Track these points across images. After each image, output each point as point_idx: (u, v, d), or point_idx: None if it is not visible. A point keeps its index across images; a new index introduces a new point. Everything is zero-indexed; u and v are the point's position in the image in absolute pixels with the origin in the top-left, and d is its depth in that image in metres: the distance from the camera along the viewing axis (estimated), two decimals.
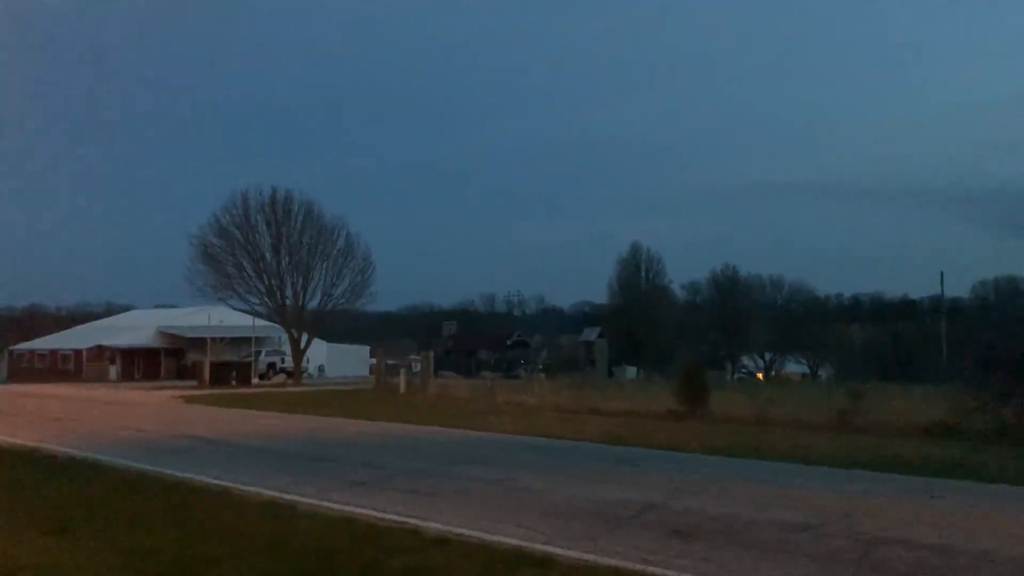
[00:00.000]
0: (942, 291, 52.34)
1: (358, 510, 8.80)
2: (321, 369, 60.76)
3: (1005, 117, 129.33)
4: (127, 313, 72.53)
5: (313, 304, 51.09)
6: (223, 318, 53.10)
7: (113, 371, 55.84)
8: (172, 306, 67.33)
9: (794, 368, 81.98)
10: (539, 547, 7.25)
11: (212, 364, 45.78)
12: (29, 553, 6.86)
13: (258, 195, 50.03)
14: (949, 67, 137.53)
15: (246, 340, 53.33)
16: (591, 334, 73.51)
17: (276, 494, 9.71)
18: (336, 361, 61.91)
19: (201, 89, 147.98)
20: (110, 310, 79.46)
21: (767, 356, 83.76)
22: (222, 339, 53.47)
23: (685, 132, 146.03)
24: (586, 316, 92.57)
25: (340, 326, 58.45)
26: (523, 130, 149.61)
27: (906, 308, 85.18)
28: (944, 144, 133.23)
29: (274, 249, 49.86)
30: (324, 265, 50.75)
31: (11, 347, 62.01)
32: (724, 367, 75.82)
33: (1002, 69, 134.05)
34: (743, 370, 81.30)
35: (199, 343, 53.64)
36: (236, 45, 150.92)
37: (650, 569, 6.59)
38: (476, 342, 75.58)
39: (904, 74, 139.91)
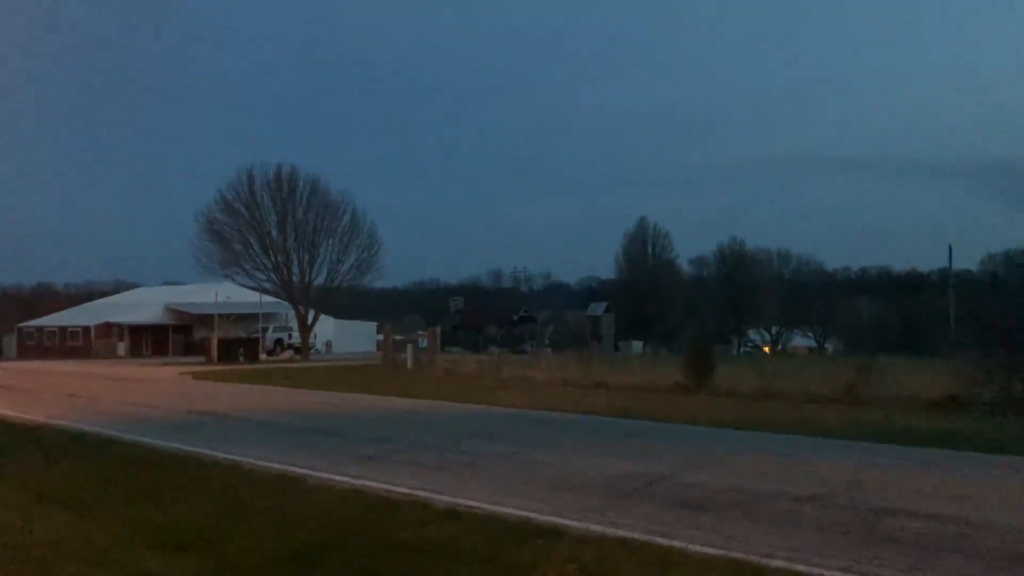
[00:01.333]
0: (950, 264, 52.14)
1: (368, 484, 8.85)
2: (328, 345, 60.98)
3: (1014, 88, 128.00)
4: (135, 290, 72.87)
5: (320, 280, 51.23)
6: (230, 295, 53.27)
7: (121, 348, 56.20)
8: (180, 283, 67.72)
9: (801, 342, 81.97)
10: (548, 519, 7.29)
11: (220, 340, 45.98)
12: (42, 528, 6.93)
13: (263, 172, 50.05)
14: (958, 38, 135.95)
15: (253, 316, 53.55)
16: (598, 309, 73.59)
17: (286, 468, 9.77)
18: (343, 337, 62.13)
19: (207, 67, 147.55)
20: (118, 287, 79.83)
21: (774, 330, 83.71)
22: (229, 315, 53.69)
23: (692, 106, 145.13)
24: (593, 291, 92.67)
25: (347, 302, 58.61)
26: (529, 105, 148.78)
27: (914, 281, 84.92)
28: (953, 116, 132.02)
29: (280, 226, 49.89)
30: (330, 241, 50.85)
31: (20, 324, 62.41)
32: (731, 341, 75.89)
33: (1012, 39, 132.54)
34: (750, 344, 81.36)
35: (207, 320, 53.85)
36: (242, 23, 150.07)
37: (658, 540, 6.62)
38: (483, 318, 75.75)
39: (913, 46, 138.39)
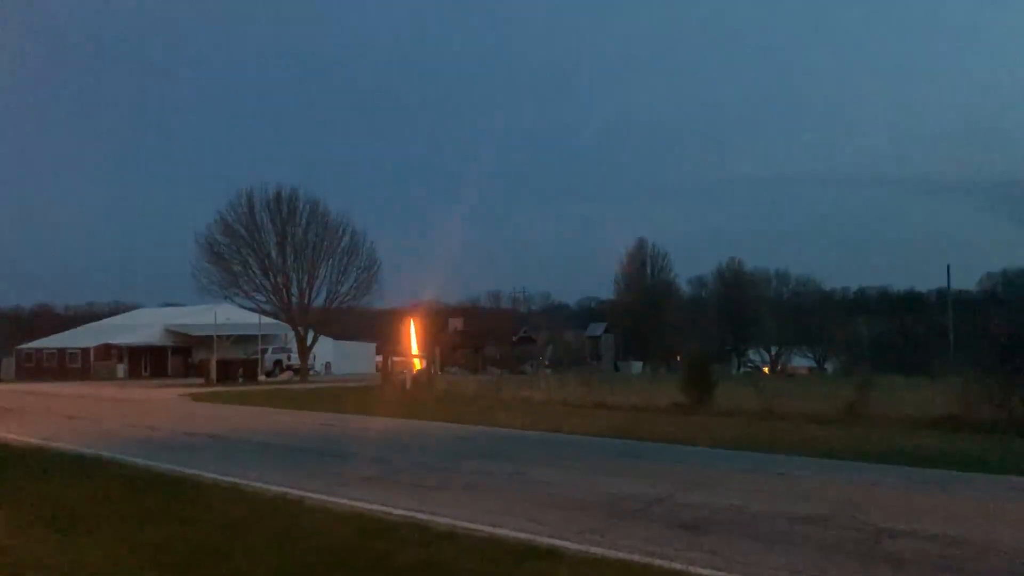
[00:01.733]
0: (948, 284, 51.96)
1: (367, 505, 8.82)
2: (328, 366, 60.87)
3: (1013, 106, 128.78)
4: (134, 312, 72.79)
5: (319, 301, 51.19)
6: (229, 316, 53.26)
7: (121, 369, 56.07)
8: (179, 304, 67.71)
9: (801, 362, 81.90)
10: (547, 540, 7.27)
11: (219, 362, 45.95)
12: (40, 550, 6.91)
13: (263, 193, 50.18)
14: (956, 56, 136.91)
15: (252, 338, 53.51)
16: (597, 329, 73.68)
17: (285, 490, 9.74)
18: (342, 358, 62.03)
19: (206, 88, 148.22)
20: (117, 309, 79.73)
21: (773, 350, 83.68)
22: (228, 337, 53.67)
23: (689, 125, 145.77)
24: (592, 312, 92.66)
25: (346, 323, 58.50)
26: (529, 124, 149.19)
27: (913, 301, 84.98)
28: (951, 135, 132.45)
29: (279, 247, 49.92)
30: (329, 262, 50.84)
31: (19, 346, 62.32)
32: (730, 361, 75.83)
33: (1007, 58, 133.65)
34: (749, 364, 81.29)
35: (206, 341, 53.81)
36: (241, 43, 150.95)
37: (657, 562, 6.60)
38: (482, 338, 75.66)
39: (913, 65, 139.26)
